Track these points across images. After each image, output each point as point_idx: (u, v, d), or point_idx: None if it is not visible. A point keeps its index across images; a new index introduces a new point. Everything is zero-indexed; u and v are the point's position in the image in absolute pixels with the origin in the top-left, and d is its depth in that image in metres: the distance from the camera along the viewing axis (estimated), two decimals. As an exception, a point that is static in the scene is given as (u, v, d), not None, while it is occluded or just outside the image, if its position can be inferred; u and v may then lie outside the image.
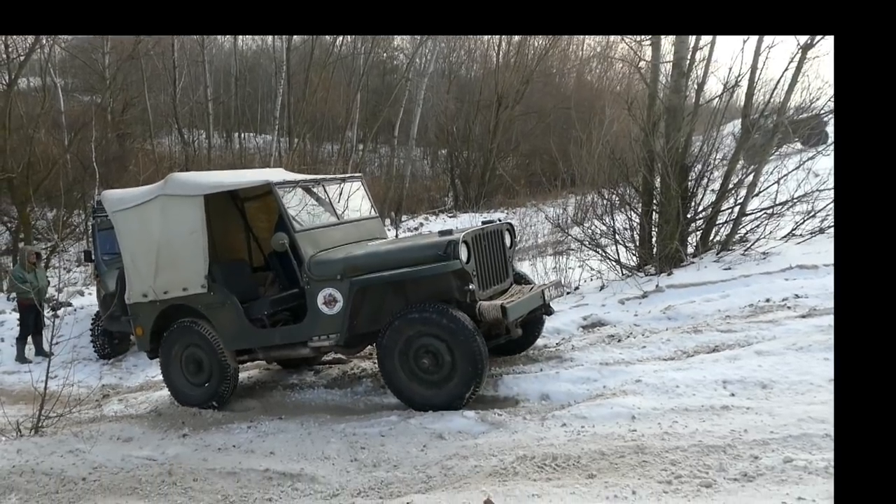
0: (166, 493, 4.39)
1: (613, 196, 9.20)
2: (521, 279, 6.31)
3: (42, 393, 6.20)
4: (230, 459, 4.80)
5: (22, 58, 17.55)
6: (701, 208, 8.66)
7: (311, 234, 5.78)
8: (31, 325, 9.85)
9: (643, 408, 4.58)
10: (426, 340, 5.13)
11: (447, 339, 5.05)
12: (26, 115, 19.16)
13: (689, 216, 8.47)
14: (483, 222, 5.94)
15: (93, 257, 10.35)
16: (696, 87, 8.87)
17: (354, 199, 6.60)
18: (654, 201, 8.72)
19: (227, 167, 22.34)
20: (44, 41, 17.87)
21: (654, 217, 8.74)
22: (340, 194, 6.46)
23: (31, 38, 17.64)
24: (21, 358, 9.76)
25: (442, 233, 5.46)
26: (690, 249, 8.66)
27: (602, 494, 3.50)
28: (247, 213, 7.27)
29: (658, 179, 8.64)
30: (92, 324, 9.91)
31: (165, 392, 6.54)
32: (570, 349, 6.27)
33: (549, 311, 6.16)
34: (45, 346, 9.45)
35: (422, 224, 24.16)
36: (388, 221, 25.39)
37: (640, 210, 8.83)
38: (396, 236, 6.98)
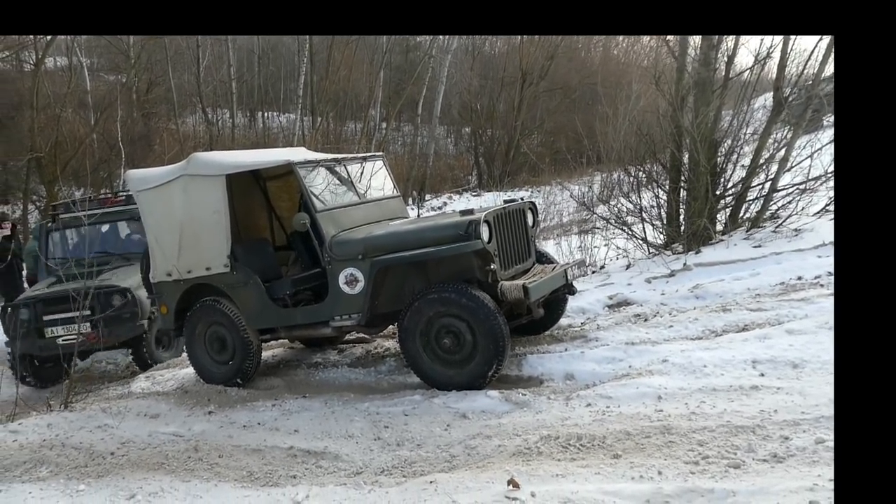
0: (192, 468, 4.43)
1: (640, 173, 9.04)
2: (543, 258, 6.24)
3: (72, 369, 6.29)
4: (255, 437, 4.83)
5: (48, 37, 17.67)
6: (731, 184, 8.48)
7: (332, 214, 5.76)
8: None
9: (670, 388, 4.51)
10: (447, 321, 5.10)
11: (468, 319, 5.03)
12: (53, 94, 19.36)
13: (718, 193, 8.30)
14: (505, 201, 5.87)
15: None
16: (725, 59, 8.62)
17: (376, 179, 6.55)
18: (682, 178, 8.55)
19: (250, 146, 22.44)
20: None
21: (681, 194, 8.59)
22: (362, 173, 6.41)
23: (56, 19, 17.73)
24: None
25: (463, 212, 5.41)
26: (719, 227, 8.50)
27: (627, 475, 3.46)
28: (269, 192, 7.26)
29: (686, 155, 8.47)
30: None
31: (191, 370, 6.59)
32: (595, 329, 6.20)
33: (573, 291, 6.10)
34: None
35: (445, 203, 24.10)
36: (410, 201, 25.40)
37: (667, 187, 8.66)
38: (418, 216, 6.92)
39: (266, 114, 29.51)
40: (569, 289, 5.97)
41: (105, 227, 8.86)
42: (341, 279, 5.50)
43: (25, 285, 10.34)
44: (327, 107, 24.90)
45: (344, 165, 6.26)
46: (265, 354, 7.25)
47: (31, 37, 17.65)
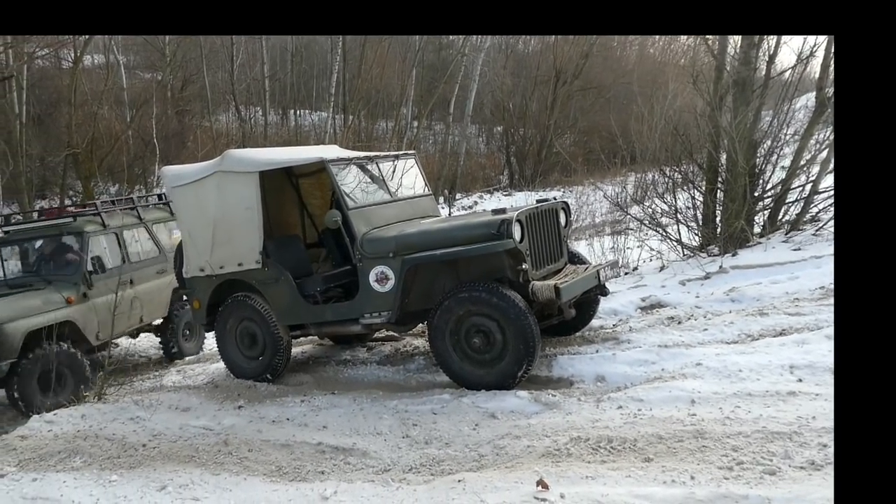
0: (222, 461, 4.46)
1: (676, 174, 8.90)
2: (576, 259, 6.18)
3: (106, 362, 6.39)
4: (284, 432, 4.84)
5: (87, 36, 18.02)
6: (770, 186, 8.30)
7: (363, 212, 5.76)
8: None
9: (704, 392, 4.42)
10: (477, 320, 5.07)
11: (498, 319, 4.98)
12: (90, 91, 19.75)
13: (756, 194, 8.13)
14: (537, 201, 5.82)
15: None
16: (766, 58, 8.45)
17: (408, 177, 6.54)
18: (720, 179, 8.40)
19: (282, 144, 22.65)
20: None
21: (718, 195, 8.43)
22: (394, 171, 6.40)
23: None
24: None
25: (495, 211, 5.37)
26: (757, 229, 8.33)
27: (659, 479, 3.39)
28: (301, 189, 7.30)
29: (724, 156, 8.31)
30: None
31: (221, 364, 6.65)
32: (627, 331, 6.11)
33: (605, 292, 6.02)
34: None
35: (476, 202, 24.05)
36: (441, 199, 25.41)
37: (703, 188, 8.51)
38: (450, 214, 6.90)
39: (298, 112, 29.74)
40: (601, 290, 5.89)
41: (40, 244, 7.58)
42: (372, 277, 5.50)
43: None
44: (359, 105, 25.01)
45: (376, 163, 6.26)
46: (294, 351, 7.28)
47: (71, 35, 18.02)
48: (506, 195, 25.05)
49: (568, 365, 5.40)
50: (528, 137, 28.53)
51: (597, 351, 5.61)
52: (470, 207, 23.05)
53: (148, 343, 8.82)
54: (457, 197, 25.54)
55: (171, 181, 6.41)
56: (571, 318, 5.49)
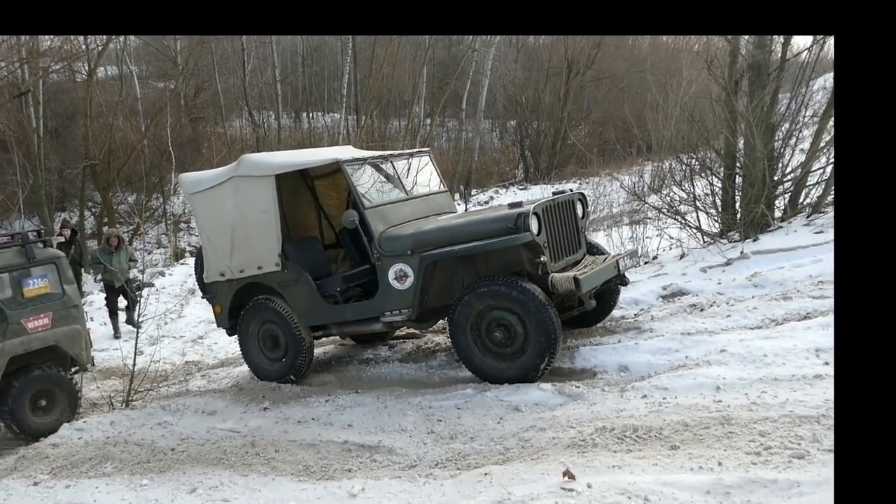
0: (250, 463, 4.50)
1: (693, 161, 8.81)
2: (594, 250, 6.15)
3: (131, 369, 6.47)
4: (310, 431, 4.88)
5: (100, 48, 18.24)
6: (789, 169, 8.19)
7: (380, 211, 5.78)
8: (115, 304, 10.22)
9: (729, 378, 4.40)
10: (497, 314, 5.07)
11: (518, 312, 4.98)
12: (105, 103, 19.95)
13: (776, 178, 8.03)
14: (554, 193, 5.82)
15: None
16: (782, 40, 8.33)
17: (423, 174, 6.56)
18: (738, 164, 8.30)
19: (296, 147, 22.71)
20: (120, 30, 18.50)
21: (737, 181, 8.34)
22: (409, 169, 6.42)
23: (108, 28, 18.27)
24: (116, 330, 10.17)
25: (512, 205, 5.37)
26: (778, 213, 8.23)
27: (686, 466, 3.39)
28: (317, 190, 7.33)
29: (741, 141, 8.22)
30: None
31: (245, 367, 6.71)
32: (649, 320, 6.08)
33: (625, 282, 6.01)
34: (135, 319, 9.77)
35: (492, 198, 23.97)
36: (457, 196, 25.36)
37: (721, 174, 8.42)
38: (466, 210, 6.90)
39: (311, 114, 29.83)
40: (621, 279, 5.87)
41: None
42: (391, 275, 5.51)
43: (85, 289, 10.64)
44: (371, 105, 25.01)
45: (391, 162, 6.28)
46: (317, 351, 7.32)
47: (84, 47, 18.24)
48: (521, 189, 24.94)
49: (590, 356, 5.39)
50: (542, 130, 28.37)
51: (619, 341, 5.59)
52: (486, 203, 23.00)
53: (171, 349, 8.91)
54: (472, 192, 25.51)
55: (188, 188, 6.49)
56: (592, 308, 5.46)
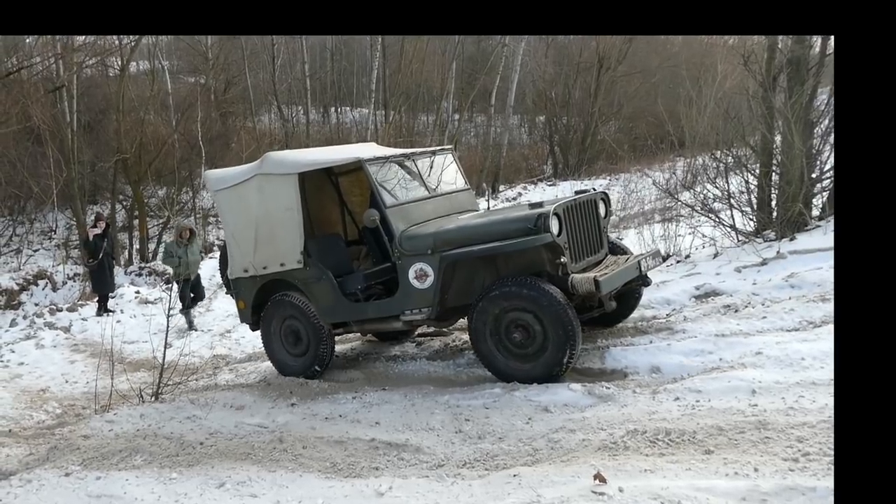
0: (278, 458, 4.50)
1: (728, 157, 8.64)
2: (617, 249, 6.10)
3: (161, 362, 6.52)
4: (337, 428, 4.87)
5: (132, 43, 18.47)
6: (828, 167, 7.98)
7: (402, 209, 5.79)
8: (188, 296, 10.25)
9: (764, 381, 4.30)
10: (513, 315, 5.06)
11: (533, 310, 4.96)
12: (137, 97, 20.21)
13: (814, 176, 7.83)
14: (576, 192, 5.77)
15: None
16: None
17: (446, 172, 6.55)
18: (774, 161, 8.11)
19: (324, 142, 22.85)
20: (152, 26, 18.71)
21: (773, 178, 8.15)
22: (431, 167, 6.41)
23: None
24: (190, 325, 10.13)
25: (532, 205, 5.35)
26: (815, 212, 8.03)
27: (721, 471, 3.30)
28: (341, 187, 7.36)
29: (779, 137, 8.03)
30: None
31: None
32: (681, 320, 5.96)
33: (647, 282, 5.96)
34: (194, 320, 9.83)
35: (520, 194, 23.86)
36: (485, 191, 25.29)
37: (757, 171, 8.24)
38: (489, 208, 6.87)
39: (339, 109, 29.94)
40: (643, 280, 5.81)
41: None
42: (411, 274, 5.52)
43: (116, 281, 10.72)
44: (400, 100, 25.00)
45: (413, 160, 6.27)
46: (344, 347, 7.34)
47: (117, 43, 18.49)
48: (550, 185, 24.78)
49: (621, 356, 5.31)
50: (572, 126, 28.13)
51: (651, 341, 5.51)
52: (514, 199, 22.90)
53: (200, 343, 8.99)
54: (500, 189, 25.42)
55: (213, 184, 6.56)
56: (612, 310, 5.42)
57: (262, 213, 6.16)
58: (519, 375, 5.11)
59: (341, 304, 6.01)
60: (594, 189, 6.05)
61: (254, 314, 6.55)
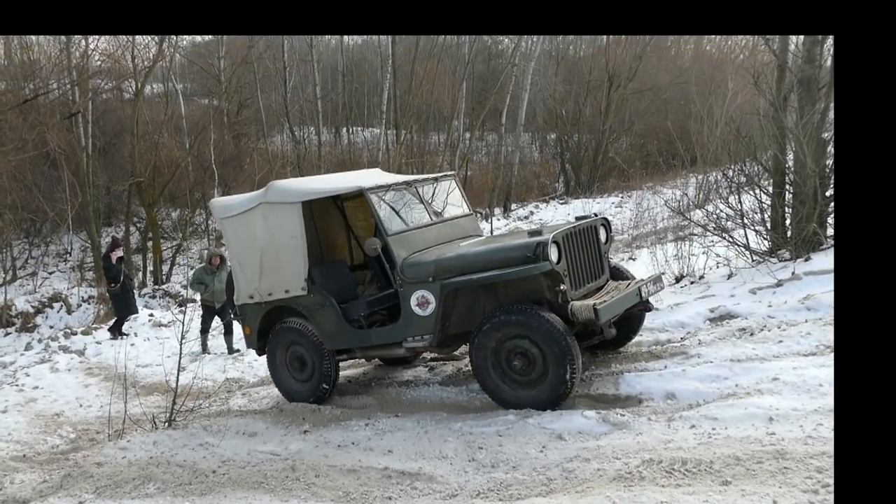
0: (290, 488, 4.48)
1: (740, 175, 8.58)
2: (618, 274, 6.12)
3: (174, 387, 6.53)
4: (350, 456, 4.84)
5: (147, 67, 18.73)
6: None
7: (403, 237, 5.86)
8: (209, 323, 10.31)
9: (782, 408, 4.24)
10: (510, 344, 5.11)
11: (527, 334, 5.01)
12: (151, 121, 20.45)
13: (828, 195, 7.75)
14: (577, 218, 5.83)
15: None
16: (832, 54, 8.09)
17: (449, 198, 6.65)
18: (787, 180, 8.05)
19: (335, 162, 23.04)
20: (165, 50, 19.00)
21: (786, 197, 8.08)
22: (434, 194, 6.50)
23: (154, 49, 18.79)
24: (204, 348, 10.16)
25: (531, 232, 5.38)
26: (830, 232, 7.94)
27: (739, 503, 3.24)
28: (347, 212, 7.46)
29: (791, 157, 7.98)
30: None
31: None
32: (696, 344, 5.90)
33: (649, 308, 5.98)
34: (234, 345, 9.86)
35: (532, 212, 23.86)
36: (497, 210, 25.30)
37: (770, 190, 8.17)
38: (491, 232, 6.91)
39: (351, 129, 30.13)
40: (645, 305, 5.82)
41: None
42: (413, 301, 5.59)
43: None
44: (410, 120, 25.14)
45: (416, 187, 6.36)
46: (356, 372, 7.32)
47: (132, 67, 18.74)
48: (562, 203, 24.76)
49: (635, 382, 5.25)
50: (583, 143, 28.15)
51: (665, 366, 5.44)
52: (526, 217, 22.88)
53: (213, 367, 8.99)
54: (512, 207, 25.41)
55: (220, 213, 6.71)
56: (612, 337, 5.43)
57: (267, 240, 6.26)
58: (528, 402, 5.11)
59: (345, 330, 6.07)
60: (595, 214, 6.09)
61: (260, 339, 6.65)
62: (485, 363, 5.21)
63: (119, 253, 11.97)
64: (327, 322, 6.13)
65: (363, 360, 6.92)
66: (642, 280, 5.91)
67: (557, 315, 5.02)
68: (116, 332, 11.61)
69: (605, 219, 6.09)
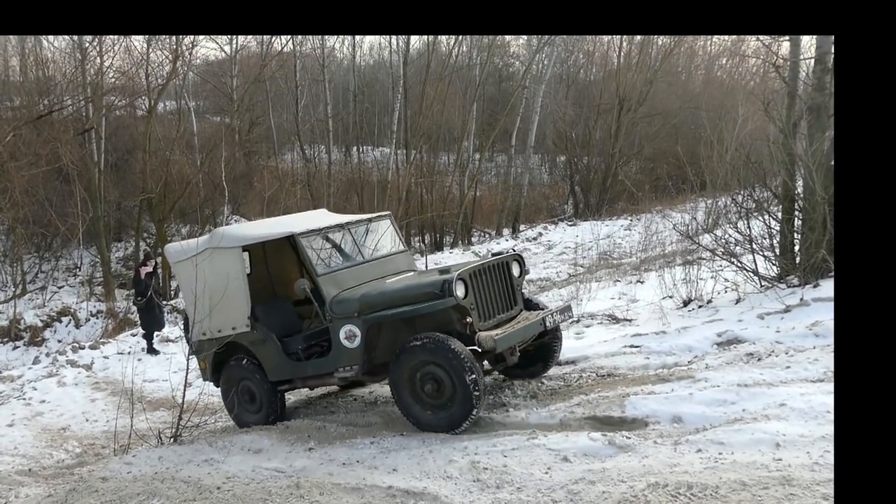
0: (294, 506, 4.46)
1: (749, 201, 8.59)
2: (531, 305, 6.51)
3: (180, 402, 6.55)
4: (354, 475, 4.83)
5: (160, 84, 18.95)
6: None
7: (333, 276, 6.27)
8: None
9: (789, 434, 4.21)
10: (423, 371, 5.44)
11: (432, 360, 5.36)
12: (164, 138, 20.65)
13: (837, 223, 7.73)
14: (493, 254, 6.42)
15: None
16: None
17: (383, 238, 7.05)
18: (797, 207, 8.05)
19: (345, 181, 23.18)
20: (179, 68, 19.22)
21: (796, 223, 8.07)
22: (367, 233, 6.94)
23: (168, 66, 19.02)
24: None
25: (441, 270, 5.86)
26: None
27: (745, 530, 3.22)
28: (298, 248, 7.66)
29: (800, 184, 7.98)
30: None
31: (290, 404, 6.74)
32: (703, 368, 5.88)
33: (557, 336, 6.43)
34: None
35: (540, 233, 23.89)
36: (506, 231, 25.34)
37: (779, 216, 8.17)
38: (426, 267, 7.15)
39: (361, 148, 30.33)
40: (554, 334, 6.31)
41: None
42: (342, 335, 5.99)
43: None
44: (421, 140, 25.29)
45: (348, 229, 6.77)
46: (363, 391, 7.35)
47: (145, 85, 18.97)
48: (570, 225, 24.79)
49: (641, 405, 5.23)
50: (593, 166, 28.23)
51: (672, 390, 5.42)
52: (535, 238, 22.91)
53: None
54: (521, 228, 25.45)
55: (173, 257, 7.22)
56: (514, 363, 5.78)
57: (214, 281, 6.65)
58: (443, 423, 5.43)
59: (284, 363, 6.50)
60: (512, 251, 6.46)
61: (214, 373, 7.09)
62: (402, 388, 5.57)
63: (148, 268, 12.14)
64: (269, 356, 6.57)
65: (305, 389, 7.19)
66: (550, 310, 6.25)
67: (466, 344, 5.39)
68: (150, 349, 11.73)
69: (519, 255, 6.52)
